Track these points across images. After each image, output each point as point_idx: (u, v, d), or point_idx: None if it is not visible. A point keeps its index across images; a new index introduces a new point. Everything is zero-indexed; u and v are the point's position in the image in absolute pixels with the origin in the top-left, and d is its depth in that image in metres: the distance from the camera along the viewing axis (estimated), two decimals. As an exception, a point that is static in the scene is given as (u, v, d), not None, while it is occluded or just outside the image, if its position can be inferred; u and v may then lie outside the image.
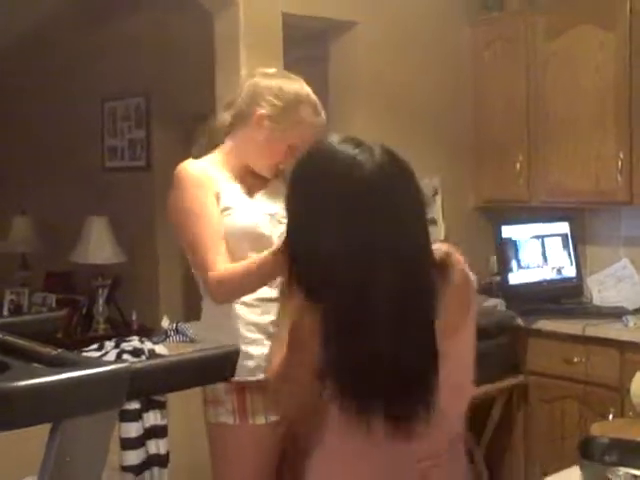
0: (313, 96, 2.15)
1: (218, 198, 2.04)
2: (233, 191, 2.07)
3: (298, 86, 2.14)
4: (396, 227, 1.37)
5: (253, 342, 2.07)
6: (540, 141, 3.91)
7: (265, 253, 1.84)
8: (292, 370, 1.46)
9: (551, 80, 3.83)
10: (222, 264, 1.95)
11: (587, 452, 1.50)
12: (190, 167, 2.06)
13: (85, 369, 1.52)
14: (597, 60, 3.66)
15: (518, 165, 3.96)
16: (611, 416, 3.15)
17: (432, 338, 1.38)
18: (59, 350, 1.67)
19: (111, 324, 4.59)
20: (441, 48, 4.01)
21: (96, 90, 5.06)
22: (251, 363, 2.05)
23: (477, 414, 3.77)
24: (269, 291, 2.03)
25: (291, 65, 3.29)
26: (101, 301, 4.60)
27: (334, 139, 1.42)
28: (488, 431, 3.73)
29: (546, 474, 1.73)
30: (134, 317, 4.19)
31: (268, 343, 2.01)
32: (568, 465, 1.62)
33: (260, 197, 2.14)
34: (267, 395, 1.70)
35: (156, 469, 2.70)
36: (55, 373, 1.45)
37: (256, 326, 2.08)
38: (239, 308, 2.08)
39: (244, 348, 2.03)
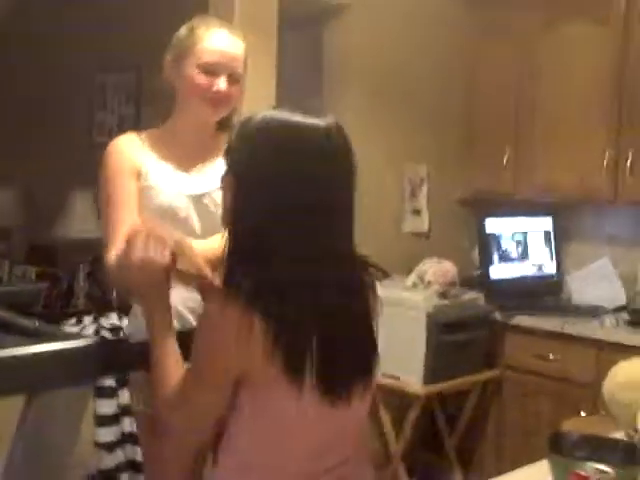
0: (211, 20, 2.09)
1: (139, 176, 1.98)
2: (159, 169, 2.01)
3: (199, 19, 2.09)
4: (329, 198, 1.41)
5: None
6: (529, 135, 3.92)
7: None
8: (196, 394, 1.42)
9: (543, 74, 3.84)
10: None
11: (556, 446, 1.51)
12: (117, 143, 2.02)
13: (63, 342, 1.52)
14: (590, 55, 3.67)
15: (505, 158, 3.97)
16: (583, 413, 3.17)
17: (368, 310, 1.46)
18: (37, 322, 1.68)
19: (91, 300, 4.55)
20: (435, 34, 4.00)
21: (88, 62, 5.01)
22: None
23: (451, 405, 3.81)
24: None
25: (286, 47, 3.28)
26: (82, 276, 4.57)
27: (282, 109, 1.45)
28: (461, 423, 3.76)
29: (517, 467, 1.75)
30: (114, 294, 4.16)
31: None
32: (538, 459, 1.64)
33: (197, 172, 2.06)
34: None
35: (129, 447, 2.70)
36: (33, 344, 1.45)
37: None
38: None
39: None
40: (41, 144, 5.33)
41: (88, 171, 5.14)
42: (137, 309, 2.03)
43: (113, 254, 1.81)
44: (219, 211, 1.99)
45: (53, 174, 5.12)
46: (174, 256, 1.58)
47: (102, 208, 1.96)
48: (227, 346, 1.34)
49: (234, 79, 2.02)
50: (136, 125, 4.77)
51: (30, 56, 5.40)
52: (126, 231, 1.72)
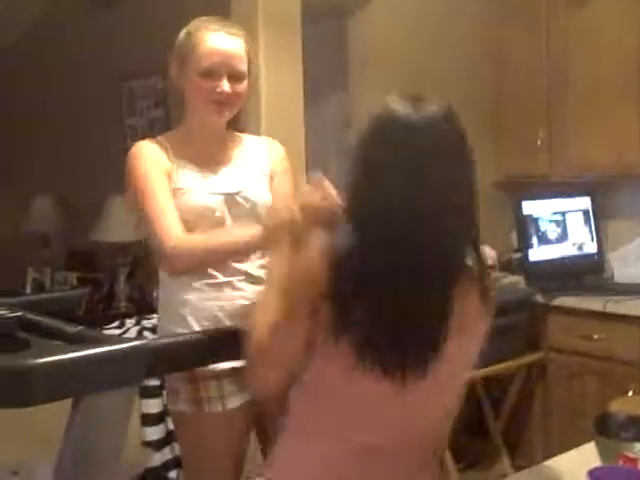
0: (208, 21, 2.05)
1: (170, 178, 1.99)
2: (187, 171, 2.01)
3: (198, 23, 2.06)
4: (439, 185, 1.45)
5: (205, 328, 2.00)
6: (561, 115, 3.87)
7: (252, 228, 1.85)
8: (280, 340, 1.46)
9: (572, 52, 3.79)
10: (178, 232, 1.91)
11: (603, 428, 1.50)
12: (142, 146, 2.02)
13: (105, 346, 1.54)
14: (619, 31, 3.61)
15: (539, 141, 3.93)
16: (631, 392, 3.14)
17: (447, 303, 1.43)
18: (80, 327, 1.70)
19: (132, 302, 4.61)
20: (460, 21, 3.97)
21: (113, 70, 5.06)
22: None
23: (496, 390, 3.78)
24: (220, 276, 2.01)
25: (309, 41, 3.27)
26: (122, 279, 4.63)
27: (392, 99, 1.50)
28: (507, 406, 3.73)
29: (564, 450, 1.73)
30: (155, 295, 4.21)
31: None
32: (586, 442, 1.62)
33: (222, 173, 2.06)
34: (245, 370, 1.63)
35: (176, 444, 2.73)
36: (74, 350, 1.47)
37: (208, 315, 2.01)
38: (188, 295, 2.02)
39: None
40: (76, 151, 5.40)
41: (123, 175, 5.22)
42: (166, 300, 2.08)
43: (174, 238, 1.87)
44: (252, 208, 2.02)
45: (89, 180, 5.19)
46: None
47: (139, 204, 1.97)
48: (315, 279, 1.40)
49: (237, 77, 2.00)
50: (166, 127, 4.81)
51: (59, 66, 5.46)
52: (175, 217, 1.86)
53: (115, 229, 4.68)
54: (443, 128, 1.45)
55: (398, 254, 1.38)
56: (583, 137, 3.78)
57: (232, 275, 2.02)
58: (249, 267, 2.03)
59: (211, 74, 1.97)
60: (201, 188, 2.00)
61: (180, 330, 1.96)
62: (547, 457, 1.67)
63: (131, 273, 4.72)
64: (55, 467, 1.54)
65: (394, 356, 1.39)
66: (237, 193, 2.02)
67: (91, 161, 5.23)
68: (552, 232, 3.89)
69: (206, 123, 2.05)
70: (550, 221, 3.90)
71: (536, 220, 3.84)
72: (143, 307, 4.16)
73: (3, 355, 1.41)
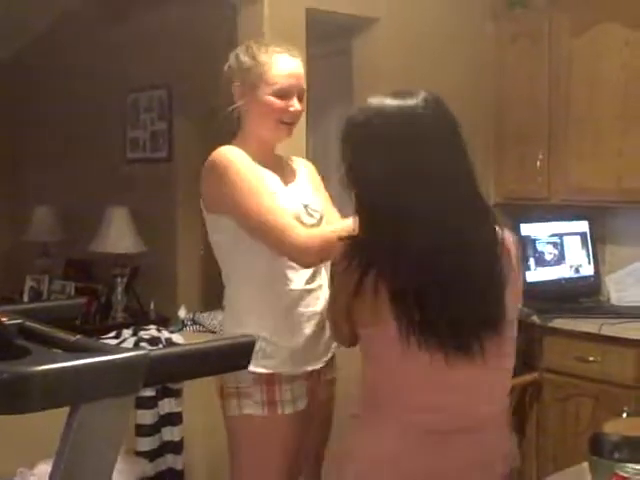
0: (267, 43, 2.18)
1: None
2: (271, 177, 2.10)
3: (255, 46, 2.16)
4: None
5: (285, 332, 2.09)
6: (562, 138, 3.89)
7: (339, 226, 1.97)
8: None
9: (575, 77, 3.81)
10: (302, 228, 2.00)
11: (596, 448, 1.51)
12: (228, 152, 2.07)
13: (103, 355, 1.55)
14: (622, 57, 3.63)
15: (538, 163, 3.96)
16: (625, 414, 3.14)
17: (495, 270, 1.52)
18: (78, 336, 1.71)
19: (129, 313, 4.63)
20: (463, 43, 4.01)
21: (119, 82, 5.10)
22: (282, 353, 2.08)
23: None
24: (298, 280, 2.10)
25: (314, 60, 3.30)
26: (120, 290, 4.64)
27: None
28: (502, 427, 3.73)
29: (557, 470, 1.74)
30: (152, 306, 4.24)
31: (300, 334, 2.09)
32: (580, 462, 1.63)
33: (294, 184, 2.18)
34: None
35: (170, 455, 2.74)
36: (74, 358, 1.48)
37: (290, 316, 2.11)
38: (272, 298, 2.10)
39: (275, 339, 2.07)
40: (77, 162, 5.43)
41: (123, 186, 5.25)
42: (233, 307, 2.17)
43: (298, 231, 1.97)
44: (318, 220, 2.15)
45: (89, 190, 5.22)
46: None
47: (245, 210, 2.01)
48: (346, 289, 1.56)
49: (301, 96, 2.13)
50: (169, 140, 4.85)
51: (63, 78, 5.50)
52: (291, 215, 2.01)
53: (114, 240, 4.71)
54: (425, 113, 1.54)
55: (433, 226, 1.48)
56: (583, 161, 3.80)
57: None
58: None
59: (286, 95, 2.08)
60: (285, 195, 2.09)
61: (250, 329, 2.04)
62: (540, 476, 1.69)
63: (128, 284, 4.74)
64: (50, 474, 1.55)
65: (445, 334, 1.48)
66: (307, 205, 2.13)
67: (92, 171, 5.26)
68: (549, 254, 3.92)
69: (272, 141, 2.17)
70: (548, 243, 3.92)
71: (534, 242, 3.86)
72: (140, 318, 4.18)
73: (3, 362, 1.42)
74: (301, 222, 2.06)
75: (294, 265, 2.05)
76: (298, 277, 2.09)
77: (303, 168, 2.31)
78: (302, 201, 2.12)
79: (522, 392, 3.70)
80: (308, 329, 2.11)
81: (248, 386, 2.07)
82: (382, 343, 1.51)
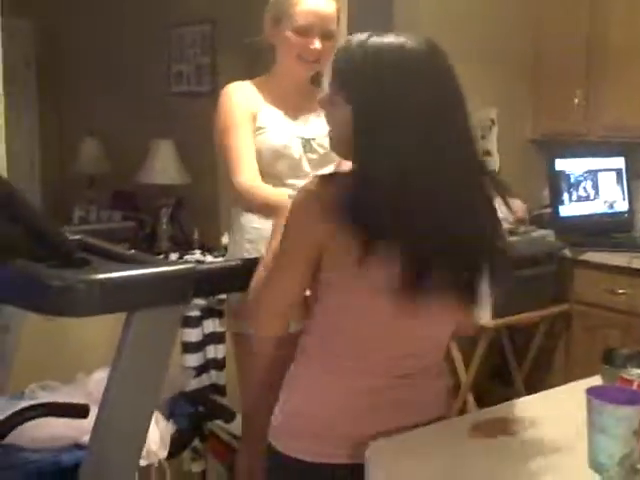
0: None
1: (255, 118, 2.14)
2: (271, 112, 2.17)
3: None
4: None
5: None
6: (599, 76, 3.91)
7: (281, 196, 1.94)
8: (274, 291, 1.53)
9: (614, 13, 3.81)
10: (250, 174, 2.06)
11: (609, 360, 1.63)
12: (231, 88, 2.18)
13: (156, 267, 1.70)
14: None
15: (576, 100, 3.99)
16: (651, 344, 3.24)
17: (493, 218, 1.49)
18: (134, 251, 1.86)
19: (174, 242, 4.77)
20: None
21: (164, 17, 5.18)
22: None
23: (520, 339, 3.91)
24: None
25: (356, 10, 3.35)
26: (165, 220, 4.79)
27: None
28: (530, 356, 3.86)
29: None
30: (196, 235, 4.37)
31: None
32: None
33: (303, 119, 2.22)
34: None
35: (214, 371, 2.92)
36: (130, 268, 1.63)
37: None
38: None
39: None
40: (122, 96, 5.54)
41: (168, 119, 5.35)
42: (237, 233, 2.27)
43: (244, 178, 2.03)
44: (325, 155, 2.17)
45: (135, 123, 5.34)
46: None
47: (220, 140, 2.13)
48: (313, 225, 1.42)
49: (327, 36, 2.15)
50: (213, 74, 4.94)
51: (109, 12, 5.59)
52: (252, 158, 2.04)
53: (159, 172, 4.85)
54: (413, 51, 1.45)
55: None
56: (620, 98, 3.83)
57: None
58: None
59: (305, 32, 2.12)
60: (283, 129, 2.17)
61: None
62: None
63: (173, 214, 4.88)
64: (109, 375, 1.70)
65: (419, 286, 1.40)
66: (314, 139, 2.19)
67: (137, 105, 5.38)
68: (584, 189, 3.97)
69: (295, 75, 2.21)
70: (583, 179, 3.97)
71: (568, 177, 3.92)
72: (185, 246, 4.32)
73: (68, 270, 1.57)
74: (288, 155, 2.15)
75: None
76: None
77: None
78: (304, 135, 2.18)
79: (552, 323, 3.81)
80: None
81: (239, 306, 2.19)
82: (356, 288, 1.45)
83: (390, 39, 1.45)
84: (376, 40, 1.45)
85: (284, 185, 2.14)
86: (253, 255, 2.11)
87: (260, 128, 2.15)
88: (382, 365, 1.52)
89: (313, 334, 1.57)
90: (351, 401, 1.51)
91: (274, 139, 2.15)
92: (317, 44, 2.13)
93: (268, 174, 2.12)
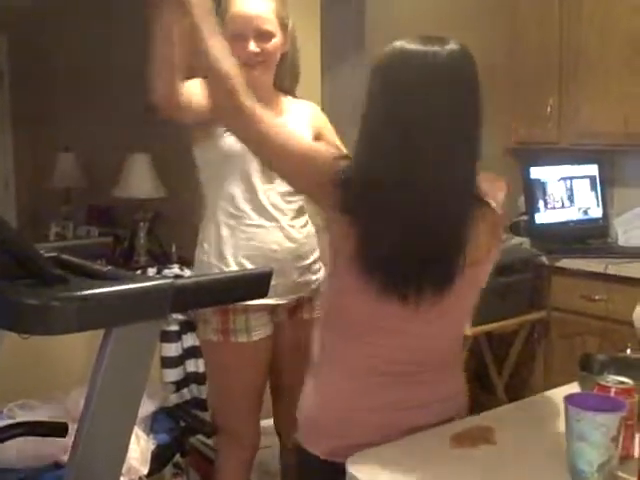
0: None
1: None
2: None
3: None
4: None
5: (242, 266, 2.23)
6: (571, 83, 3.96)
7: None
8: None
9: (585, 20, 3.86)
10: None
11: (586, 366, 1.64)
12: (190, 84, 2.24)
13: (133, 283, 1.69)
14: (633, 1, 3.66)
15: (549, 108, 4.03)
16: (629, 350, 3.25)
17: (464, 222, 1.52)
18: (110, 267, 1.85)
19: (152, 256, 4.75)
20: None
21: (139, 29, 5.17)
22: None
23: (499, 346, 3.93)
24: (256, 218, 2.21)
25: (329, 21, 3.36)
26: (142, 234, 4.76)
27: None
28: (509, 363, 3.88)
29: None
30: (174, 249, 4.35)
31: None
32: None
33: None
34: None
35: (194, 386, 2.90)
36: (107, 285, 1.62)
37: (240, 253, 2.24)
38: (225, 232, 2.24)
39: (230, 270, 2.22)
40: (98, 110, 5.52)
41: (143, 133, 5.32)
42: (201, 255, 2.29)
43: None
44: None
45: (110, 138, 5.32)
46: None
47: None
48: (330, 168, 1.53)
49: (264, 37, 2.14)
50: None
51: (84, 26, 5.56)
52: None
53: (136, 186, 4.82)
54: (446, 61, 1.54)
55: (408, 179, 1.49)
56: (592, 105, 3.87)
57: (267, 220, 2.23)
58: (283, 221, 2.25)
59: (240, 37, 2.12)
60: None
61: (217, 263, 2.22)
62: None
63: (150, 229, 4.86)
64: (87, 392, 1.69)
65: (413, 287, 1.46)
66: None
67: (113, 119, 5.36)
68: (559, 197, 4.00)
69: (250, 82, 2.19)
70: (557, 186, 4.00)
71: (543, 185, 3.95)
72: (162, 260, 4.31)
73: (44, 288, 1.56)
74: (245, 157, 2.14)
75: (253, 200, 2.20)
76: (255, 213, 2.22)
77: (305, 109, 2.37)
78: None
79: (530, 330, 3.83)
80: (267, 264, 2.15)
81: (208, 315, 2.26)
82: (355, 293, 1.51)
83: (418, 45, 1.54)
84: (405, 45, 1.55)
85: (253, 190, 2.21)
86: (216, 269, 2.17)
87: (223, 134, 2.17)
88: (388, 357, 1.55)
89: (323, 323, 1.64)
90: (361, 399, 1.56)
91: (230, 143, 2.15)
92: (252, 46, 2.13)
93: (233, 176, 2.19)
